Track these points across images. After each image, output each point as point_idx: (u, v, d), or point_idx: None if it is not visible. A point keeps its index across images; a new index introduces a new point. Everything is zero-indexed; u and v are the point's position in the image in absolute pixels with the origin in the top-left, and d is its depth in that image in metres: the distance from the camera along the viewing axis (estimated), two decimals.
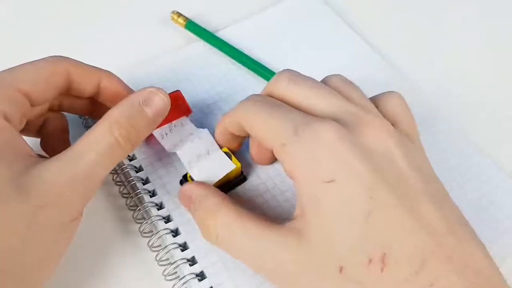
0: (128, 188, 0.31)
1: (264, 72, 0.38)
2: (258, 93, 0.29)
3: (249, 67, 0.38)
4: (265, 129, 0.26)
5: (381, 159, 0.23)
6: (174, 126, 0.31)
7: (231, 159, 0.30)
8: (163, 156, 0.33)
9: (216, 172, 0.30)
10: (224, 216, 0.26)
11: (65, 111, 0.32)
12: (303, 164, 0.24)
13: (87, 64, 0.30)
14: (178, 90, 0.32)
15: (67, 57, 0.29)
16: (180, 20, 0.41)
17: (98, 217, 0.31)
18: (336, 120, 0.24)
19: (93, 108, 0.32)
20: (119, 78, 0.31)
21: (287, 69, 0.28)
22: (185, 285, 0.28)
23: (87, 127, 0.34)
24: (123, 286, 0.29)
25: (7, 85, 0.26)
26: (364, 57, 0.40)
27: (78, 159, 0.25)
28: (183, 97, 0.32)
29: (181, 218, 0.30)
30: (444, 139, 0.35)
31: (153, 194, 0.31)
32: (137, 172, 0.32)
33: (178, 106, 0.32)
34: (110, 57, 0.39)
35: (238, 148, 0.31)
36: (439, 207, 0.23)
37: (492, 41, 0.42)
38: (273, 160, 0.32)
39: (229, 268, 0.29)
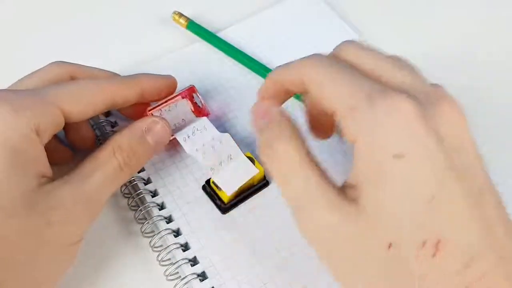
0: (130, 188, 0.32)
1: (265, 72, 0.38)
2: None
3: (250, 68, 0.38)
4: (334, 89, 0.24)
5: (454, 145, 0.22)
6: (197, 129, 0.32)
7: (254, 164, 0.31)
8: (165, 157, 0.33)
9: (239, 177, 0.30)
10: (293, 153, 0.23)
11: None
12: (372, 133, 0.22)
13: (129, 78, 0.31)
14: (192, 86, 0.33)
15: (113, 77, 0.30)
16: (182, 20, 0.41)
17: (100, 217, 0.31)
18: (412, 96, 0.23)
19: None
20: (156, 75, 0.32)
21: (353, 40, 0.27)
22: (186, 285, 0.28)
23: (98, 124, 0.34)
24: (124, 286, 0.29)
25: (48, 101, 0.26)
26: None
27: (85, 180, 0.26)
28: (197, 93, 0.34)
29: (183, 218, 0.30)
30: None
31: (154, 194, 0.32)
32: (139, 172, 0.32)
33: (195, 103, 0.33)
34: (111, 58, 0.39)
35: (280, 105, 0.28)
36: (500, 206, 0.22)
37: (496, 42, 0.42)
38: (330, 133, 0.29)
39: (230, 268, 0.29)
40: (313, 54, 0.26)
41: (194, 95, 0.33)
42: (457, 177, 0.22)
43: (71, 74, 0.30)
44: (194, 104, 0.33)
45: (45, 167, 0.26)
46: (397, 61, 0.25)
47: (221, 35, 0.41)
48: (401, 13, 0.44)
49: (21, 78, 0.30)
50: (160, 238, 0.30)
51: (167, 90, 0.32)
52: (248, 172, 0.30)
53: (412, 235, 0.21)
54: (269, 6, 0.43)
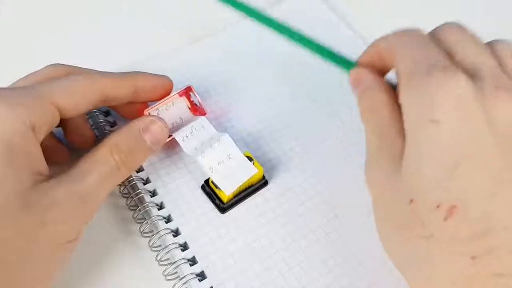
0: (129, 188, 0.32)
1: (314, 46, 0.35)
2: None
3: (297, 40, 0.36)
4: (404, 52, 0.25)
5: (503, 125, 0.22)
6: (195, 129, 0.32)
7: (253, 164, 0.31)
8: (164, 157, 0.33)
9: (238, 177, 0.30)
10: (373, 116, 0.26)
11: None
12: (420, 99, 0.23)
13: (122, 74, 0.31)
14: (190, 86, 0.33)
15: (103, 73, 0.30)
16: None
17: (98, 217, 0.31)
18: (474, 74, 0.23)
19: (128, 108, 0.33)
20: (151, 74, 0.32)
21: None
22: (185, 285, 0.28)
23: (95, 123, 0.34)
24: (123, 285, 0.29)
25: (42, 97, 0.26)
26: None
27: (82, 179, 0.26)
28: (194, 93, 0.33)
29: (182, 218, 0.30)
30: None
31: (153, 194, 0.32)
32: (138, 172, 0.32)
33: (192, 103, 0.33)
34: (112, 57, 0.39)
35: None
36: None
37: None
38: None
39: (229, 268, 0.29)
40: (403, 29, 0.27)
41: (191, 94, 0.33)
42: (498, 153, 0.22)
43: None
44: (192, 102, 0.33)
45: (41, 164, 0.26)
46: (487, 48, 0.25)
47: None
48: (401, 13, 0.45)
49: (16, 81, 0.29)
50: (159, 237, 0.30)
51: (162, 89, 0.32)
52: (247, 172, 0.31)
53: (428, 195, 0.22)
54: (268, 7, 0.43)
